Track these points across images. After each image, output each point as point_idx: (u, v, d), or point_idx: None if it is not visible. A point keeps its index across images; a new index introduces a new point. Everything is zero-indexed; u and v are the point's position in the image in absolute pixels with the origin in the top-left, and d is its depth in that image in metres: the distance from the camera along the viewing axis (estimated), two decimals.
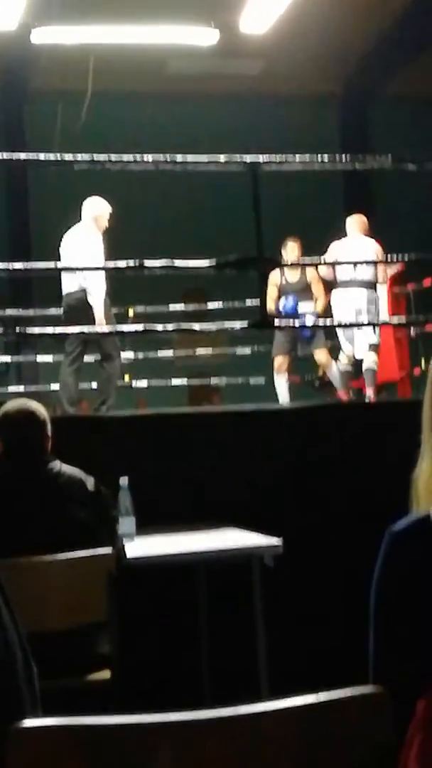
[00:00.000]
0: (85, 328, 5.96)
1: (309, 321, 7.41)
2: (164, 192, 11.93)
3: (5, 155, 6.16)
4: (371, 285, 7.37)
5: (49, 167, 8.38)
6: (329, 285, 7.56)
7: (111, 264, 6.39)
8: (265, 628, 3.21)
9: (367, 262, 7.23)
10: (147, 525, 3.49)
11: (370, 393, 7.36)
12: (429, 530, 1.37)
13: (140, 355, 9.18)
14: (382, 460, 4.15)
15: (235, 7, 10.34)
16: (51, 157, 4.97)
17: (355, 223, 7.61)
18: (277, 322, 7.29)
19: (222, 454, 4.11)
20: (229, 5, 10.23)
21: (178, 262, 4.56)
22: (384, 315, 8.57)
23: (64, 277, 6.50)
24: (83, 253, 6.28)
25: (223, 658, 3.76)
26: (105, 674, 2.92)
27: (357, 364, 7.54)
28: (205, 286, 10.60)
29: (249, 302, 7.94)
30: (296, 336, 7.76)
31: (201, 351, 10.31)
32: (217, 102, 12.96)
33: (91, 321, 6.11)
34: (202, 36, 10.55)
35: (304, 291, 7.65)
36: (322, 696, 1.15)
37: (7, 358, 11.23)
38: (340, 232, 7.60)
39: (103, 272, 6.37)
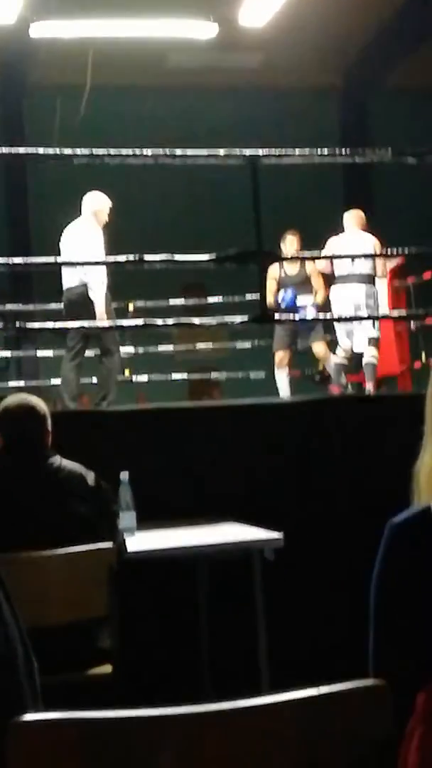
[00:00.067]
0: (86, 323, 5.96)
1: (309, 312, 7.41)
2: (164, 186, 11.92)
3: (4, 150, 6.14)
4: (369, 280, 7.36)
5: (48, 161, 8.36)
6: (328, 279, 7.56)
7: (111, 258, 6.39)
8: (265, 622, 3.22)
9: (366, 256, 7.22)
10: (147, 519, 3.49)
11: (369, 387, 7.36)
12: (429, 523, 1.37)
13: (140, 350, 9.18)
14: (383, 453, 4.15)
15: (234, 1, 10.32)
16: (50, 151, 4.96)
17: (353, 218, 7.59)
18: (277, 316, 7.28)
19: (222, 449, 4.11)
20: None
21: (178, 257, 4.56)
22: (384, 308, 8.57)
23: (65, 271, 6.49)
24: (84, 247, 6.27)
25: (224, 652, 3.77)
26: (106, 669, 2.92)
27: (355, 358, 7.54)
28: (205, 281, 10.59)
29: (249, 296, 7.93)
30: (296, 330, 7.76)
31: (201, 345, 10.31)
32: (216, 95, 12.95)
33: (92, 316, 6.11)
34: (202, 29, 10.53)
35: (303, 284, 7.65)
36: (323, 689, 1.15)
37: (7, 353, 11.22)
38: (339, 226, 7.59)
39: (104, 267, 6.37)
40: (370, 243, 7.34)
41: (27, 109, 12.83)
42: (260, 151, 4.50)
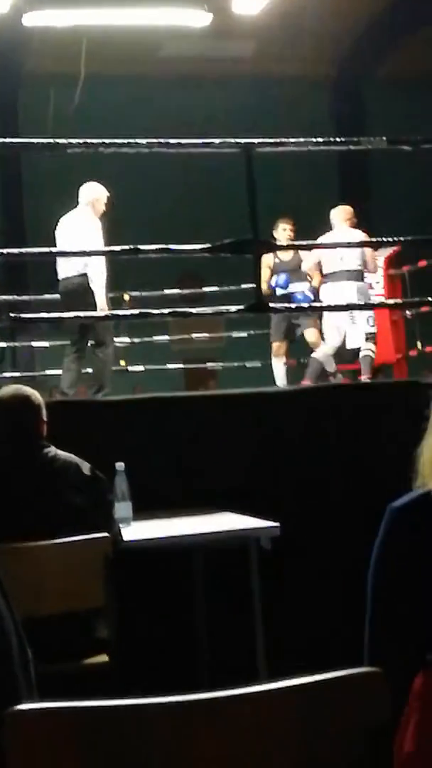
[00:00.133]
0: (81, 314, 5.94)
1: (306, 295, 7.39)
2: (159, 175, 11.89)
3: None
4: (360, 276, 7.34)
5: (43, 151, 8.33)
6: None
7: (106, 248, 6.37)
8: (262, 610, 3.22)
9: (354, 244, 7.19)
10: (144, 510, 3.49)
11: (366, 379, 7.36)
12: (430, 507, 1.37)
13: (136, 340, 9.16)
14: (379, 441, 4.15)
15: None
16: (44, 141, 4.93)
17: (340, 214, 7.54)
18: (272, 304, 7.26)
19: (219, 438, 4.10)
20: None
21: (173, 246, 4.55)
22: (379, 298, 8.56)
23: (61, 261, 6.47)
24: (83, 238, 6.23)
25: (221, 641, 3.77)
26: (102, 658, 2.92)
27: (339, 354, 7.51)
28: (201, 270, 10.58)
29: (244, 286, 7.92)
30: (292, 319, 7.75)
31: (197, 335, 10.30)
32: (210, 84, 12.91)
33: (89, 306, 6.09)
34: (195, 18, 10.49)
35: (296, 270, 7.65)
36: (319, 677, 1.15)
37: (2, 344, 11.20)
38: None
39: (104, 257, 6.35)
40: (360, 239, 7.32)
41: (21, 99, 12.79)
42: (255, 140, 4.49)
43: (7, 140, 6.78)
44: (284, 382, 7.81)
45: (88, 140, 4.40)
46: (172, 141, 4.48)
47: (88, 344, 6.55)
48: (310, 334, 7.71)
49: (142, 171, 11.18)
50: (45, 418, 3.13)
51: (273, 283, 7.55)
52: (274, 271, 7.68)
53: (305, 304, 7.43)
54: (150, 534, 3.23)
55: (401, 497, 1.42)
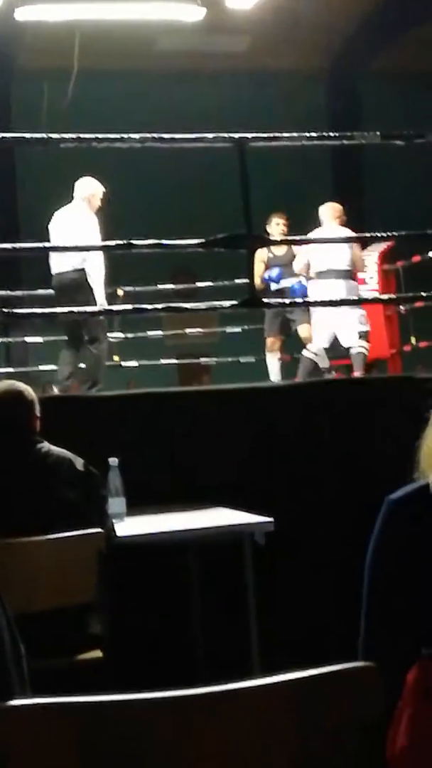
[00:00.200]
0: (75, 309, 5.93)
1: (300, 286, 7.39)
2: (152, 170, 11.87)
3: None
4: (348, 275, 7.32)
5: (36, 146, 8.31)
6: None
7: (99, 243, 6.36)
8: (256, 606, 3.22)
9: (346, 240, 7.18)
10: (137, 505, 3.48)
11: (358, 375, 7.36)
12: (428, 498, 1.36)
13: (130, 335, 9.15)
14: (373, 436, 4.16)
15: None
16: (37, 135, 4.91)
17: (329, 211, 7.52)
18: (266, 299, 7.25)
19: (212, 433, 4.10)
20: None
21: (167, 241, 4.54)
22: (373, 293, 8.56)
23: (55, 256, 6.45)
24: (80, 233, 6.20)
25: (215, 637, 3.77)
26: (96, 654, 2.92)
27: (334, 348, 7.50)
28: (194, 266, 10.56)
29: (238, 281, 7.92)
30: (286, 313, 7.75)
31: (191, 331, 10.29)
32: (204, 79, 12.88)
33: (85, 301, 6.08)
34: (189, 12, 10.47)
35: (289, 265, 7.65)
36: (313, 671, 1.15)
37: None
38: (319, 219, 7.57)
39: (101, 253, 6.33)
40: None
41: (13, 93, 12.75)
42: (248, 135, 4.48)
43: (0, 135, 6.76)
44: (278, 377, 7.81)
45: (81, 135, 4.38)
46: (165, 136, 4.47)
47: (84, 338, 6.54)
48: (303, 330, 7.71)
49: (135, 165, 11.16)
50: (38, 414, 3.13)
51: (266, 277, 7.56)
52: (268, 265, 7.69)
53: (299, 299, 7.43)
54: (143, 529, 3.23)
55: (398, 490, 1.41)
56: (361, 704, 1.15)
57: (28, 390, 3.15)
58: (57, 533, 2.86)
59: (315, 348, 7.44)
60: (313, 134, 4.75)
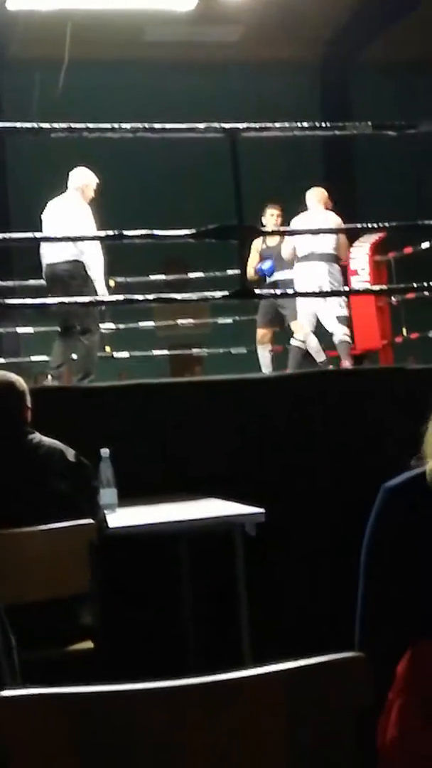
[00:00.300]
0: (66, 299, 5.91)
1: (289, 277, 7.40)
2: (144, 160, 11.84)
3: None
4: (332, 258, 7.34)
5: (27, 136, 8.27)
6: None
7: (91, 234, 6.33)
8: (247, 597, 3.22)
9: (335, 230, 7.18)
10: (128, 496, 3.48)
11: (347, 364, 7.37)
12: (424, 486, 1.36)
13: (121, 326, 9.14)
14: (364, 427, 4.16)
15: None
16: (28, 125, 4.89)
17: (315, 195, 7.55)
18: (258, 291, 7.25)
19: (204, 425, 4.10)
20: None
21: (158, 232, 4.53)
22: (365, 284, 8.56)
23: (47, 247, 6.41)
24: (74, 224, 6.17)
25: (206, 627, 3.78)
26: (87, 645, 2.92)
27: (328, 335, 7.52)
28: (186, 256, 10.55)
29: (230, 272, 7.91)
30: (278, 305, 7.74)
31: (182, 321, 10.28)
32: (195, 69, 12.84)
33: (78, 293, 6.05)
34: (181, 2, 10.43)
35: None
36: (304, 662, 1.15)
37: None
38: (305, 204, 7.56)
39: (99, 244, 6.29)
40: (333, 222, 7.32)
41: (5, 83, 12.69)
42: (239, 125, 4.47)
43: None
44: (270, 368, 7.81)
45: (72, 125, 4.37)
46: (156, 126, 4.46)
47: (76, 329, 6.52)
48: (296, 324, 7.72)
49: (127, 156, 11.13)
50: (29, 405, 3.12)
51: (259, 268, 7.57)
52: (263, 256, 7.70)
53: (290, 290, 7.43)
54: (135, 520, 3.23)
55: (394, 478, 1.41)
56: (351, 694, 1.15)
57: (19, 381, 3.14)
58: (48, 524, 2.85)
59: (302, 335, 7.45)
60: (305, 124, 4.74)
